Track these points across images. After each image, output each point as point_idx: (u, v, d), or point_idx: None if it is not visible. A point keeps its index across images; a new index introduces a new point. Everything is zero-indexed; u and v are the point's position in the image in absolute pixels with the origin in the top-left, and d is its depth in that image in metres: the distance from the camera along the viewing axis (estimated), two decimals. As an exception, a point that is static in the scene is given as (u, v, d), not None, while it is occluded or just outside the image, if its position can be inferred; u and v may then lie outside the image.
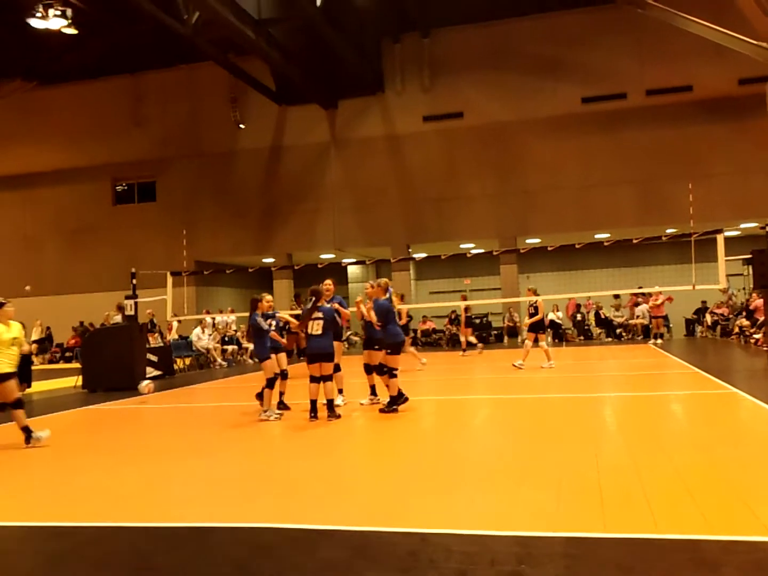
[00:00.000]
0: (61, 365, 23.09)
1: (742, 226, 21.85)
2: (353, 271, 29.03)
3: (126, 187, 28.00)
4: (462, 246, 25.15)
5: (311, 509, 4.69)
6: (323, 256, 26.35)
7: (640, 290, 20.95)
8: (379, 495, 5.04)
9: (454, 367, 16.15)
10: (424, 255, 24.61)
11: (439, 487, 5.13)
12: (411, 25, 24.10)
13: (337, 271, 26.68)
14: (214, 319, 20.67)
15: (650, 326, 21.06)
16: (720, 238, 11.62)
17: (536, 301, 13.96)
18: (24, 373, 14.17)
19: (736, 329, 19.18)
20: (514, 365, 13.90)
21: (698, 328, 22.57)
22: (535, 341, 14.05)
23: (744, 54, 16.25)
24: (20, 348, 7.69)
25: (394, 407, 8.86)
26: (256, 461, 6.45)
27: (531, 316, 14.15)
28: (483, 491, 4.95)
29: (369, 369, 9.64)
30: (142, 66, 26.21)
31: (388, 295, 9.45)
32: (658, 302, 20.44)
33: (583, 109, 23.11)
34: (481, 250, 24.09)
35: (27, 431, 7.45)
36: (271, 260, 26.11)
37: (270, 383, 8.92)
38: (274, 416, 8.73)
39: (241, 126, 25.86)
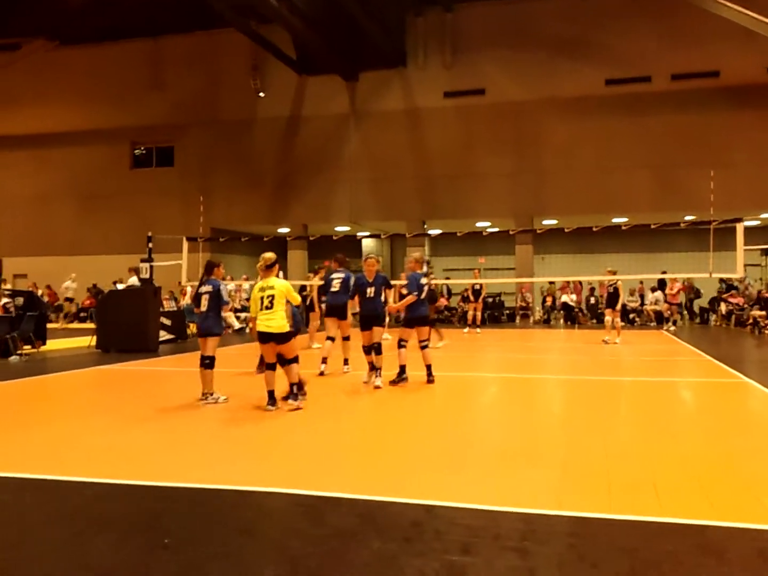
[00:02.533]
0: (76, 325, 23.30)
1: (763, 216, 21.61)
2: (368, 244, 28.96)
3: (144, 152, 28.00)
4: (478, 224, 25.04)
5: (319, 476, 4.74)
6: (338, 229, 26.31)
7: (660, 276, 20.78)
8: (386, 466, 5.07)
9: (469, 344, 16.16)
10: (439, 231, 24.53)
11: (447, 461, 5.16)
12: (435, -2, 23.77)
13: (352, 245, 26.69)
14: (227, 286, 20.72)
15: (664, 313, 20.96)
16: (740, 227, 11.49)
17: (616, 282, 15.23)
18: (39, 331, 14.39)
19: (751, 319, 19.06)
20: (604, 341, 15.26)
21: (712, 317, 22.44)
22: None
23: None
24: None
25: (403, 377, 9.23)
26: (266, 426, 6.50)
27: (609, 295, 15.38)
28: (490, 468, 4.98)
29: (367, 350, 9.29)
30: (164, 30, 26.05)
31: (425, 269, 9.97)
32: (674, 291, 20.32)
33: (606, 91, 22.80)
34: (497, 229, 23.96)
35: None
36: (286, 230, 26.10)
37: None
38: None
39: (261, 94, 25.73)
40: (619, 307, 15.55)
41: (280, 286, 7.33)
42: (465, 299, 24.03)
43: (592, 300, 23.35)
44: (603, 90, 22.81)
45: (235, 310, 20.36)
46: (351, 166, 24.83)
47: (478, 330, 19.04)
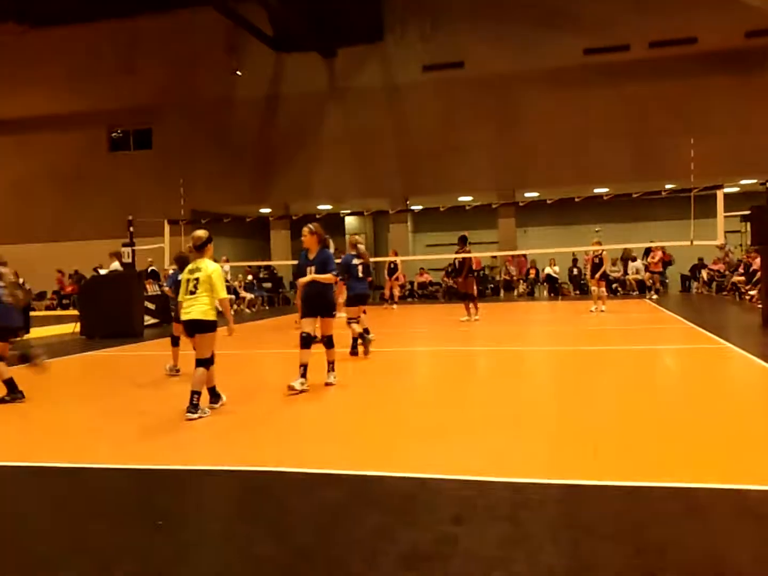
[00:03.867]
0: (59, 312, 23.14)
1: (742, 182, 21.76)
2: (350, 222, 28.90)
3: (121, 134, 27.65)
4: (460, 199, 25.02)
5: (310, 453, 4.77)
6: (321, 207, 26.21)
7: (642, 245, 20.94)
8: (377, 440, 5.12)
9: (456, 319, 16.24)
10: (421, 207, 24.50)
11: (438, 434, 5.21)
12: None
13: (335, 223, 26.60)
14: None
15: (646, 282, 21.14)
16: (720, 194, 11.59)
17: (601, 252, 15.56)
18: (23, 318, 14.24)
19: (731, 286, 19.27)
20: (591, 311, 15.49)
21: (694, 284, 22.66)
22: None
23: (751, 5, 15.95)
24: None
25: (367, 337, 9.59)
26: (255, 405, 6.52)
27: (595, 265, 15.70)
28: (480, 439, 5.03)
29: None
30: (138, 10, 25.58)
31: (354, 252, 9.87)
32: (656, 259, 20.49)
33: (585, 60, 22.74)
34: (479, 203, 23.97)
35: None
36: (267, 210, 25.96)
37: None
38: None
39: (238, 73, 25.42)
40: (598, 275, 15.81)
41: (207, 269, 6.30)
42: (449, 274, 24.10)
43: (575, 271, 23.50)
44: (582, 60, 22.75)
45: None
46: (331, 143, 24.66)
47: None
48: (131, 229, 14.66)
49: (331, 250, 7.43)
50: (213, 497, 4.06)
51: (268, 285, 24.31)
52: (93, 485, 4.36)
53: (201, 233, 6.53)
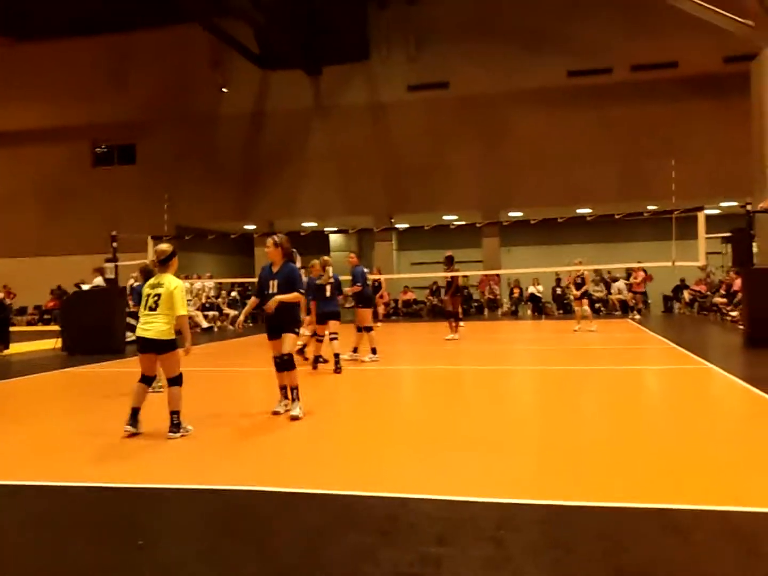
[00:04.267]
0: (40, 327, 22.90)
1: (723, 204, 22.01)
2: (335, 240, 28.92)
3: (105, 149, 27.58)
4: (445, 218, 25.13)
5: (292, 473, 4.74)
6: (305, 224, 26.22)
7: (624, 266, 21.11)
8: (359, 460, 5.10)
9: (442, 337, 16.24)
10: (406, 225, 24.58)
11: (420, 453, 5.20)
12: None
13: (320, 240, 26.59)
14: (192, 284, 20.57)
15: (628, 302, 21.29)
16: (701, 216, 11.71)
17: (583, 272, 15.84)
18: (2, 334, 14.12)
19: (713, 306, 19.45)
20: (574, 330, 15.62)
21: (676, 305, 22.85)
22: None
23: (730, 32, 16.25)
24: None
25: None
26: (237, 424, 6.47)
27: (578, 285, 15.95)
28: (463, 458, 5.03)
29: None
30: (125, 26, 25.61)
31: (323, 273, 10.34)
32: (638, 280, 20.66)
33: (569, 82, 23.04)
34: (464, 222, 24.10)
35: None
36: (252, 227, 25.94)
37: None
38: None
39: (224, 90, 25.50)
40: (578, 292, 16.08)
41: (170, 285, 6.02)
42: (433, 292, 24.15)
43: (558, 291, 23.62)
44: (566, 81, 23.05)
45: (203, 308, 20.19)
46: (316, 161, 24.74)
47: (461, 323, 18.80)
48: (114, 244, 14.57)
49: (298, 264, 7.02)
50: (195, 516, 4.01)
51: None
52: (72, 504, 4.30)
53: (165, 247, 6.26)
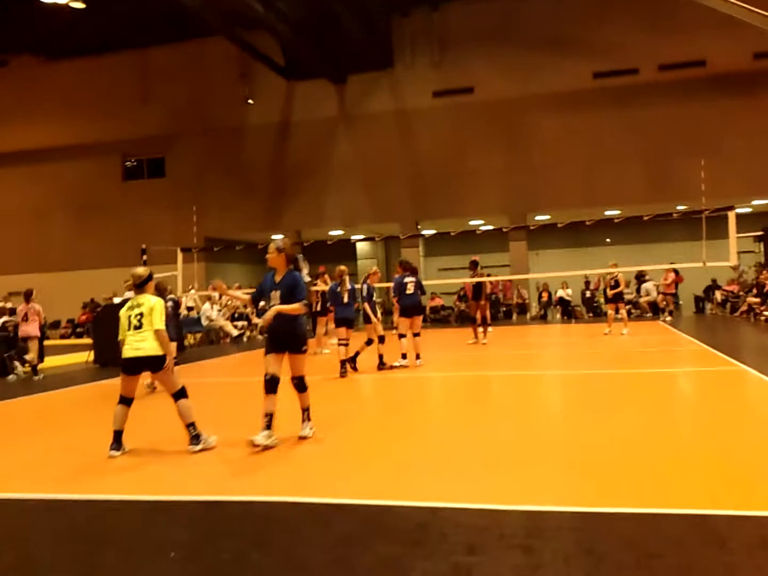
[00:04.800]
0: (72, 341, 23.26)
1: (754, 203, 21.68)
2: (362, 247, 29.00)
3: (135, 163, 28.00)
4: (471, 223, 25.07)
5: (323, 483, 4.75)
6: (332, 233, 26.33)
7: (653, 268, 20.84)
8: (390, 469, 5.09)
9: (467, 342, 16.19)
10: (433, 231, 24.55)
11: (449, 461, 5.18)
12: (420, -2, 23.84)
13: (346, 248, 26.70)
14: (221, 295, 20.74)
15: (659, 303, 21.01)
16: (731, 215, 11.56)
17: (617, 274, 15.50)
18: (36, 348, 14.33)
19: (746, 307, 19.12)
20: (604, 333, 15.38)
21: (708, 306, 22.50)
22: (616, 311, 15.81)
23: (759, 28, 16.00)
24: None
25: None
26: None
27: (612, 288, 15.69)
28: (493, 466, 5.00)
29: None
30: (151, 41, 26.02)
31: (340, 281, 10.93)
32: (668, 281, 20.39)
33: (595, 84, 22.87)
34: (491, 227, 24.01)
35: None
36: (280, 236, 26.05)
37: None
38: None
39: (250, 101, 25.75)
40: (610, 294, 15.89)
41: (149, 302, 6.01)
42: (461, 298, 24.06)
43: (588, 294, 23.41)
44: (591, 83, 22.89)
45: (232, 318, 20.36)
46: (342, 169, 24.85)
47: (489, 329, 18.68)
48: (145, 257, 14.78)
49: (305, 272, 6.50)
50: (227, 529, 4.04)
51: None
52: (104, 516, 4.35)
53: (141, 271, 6.25)
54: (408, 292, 11.27)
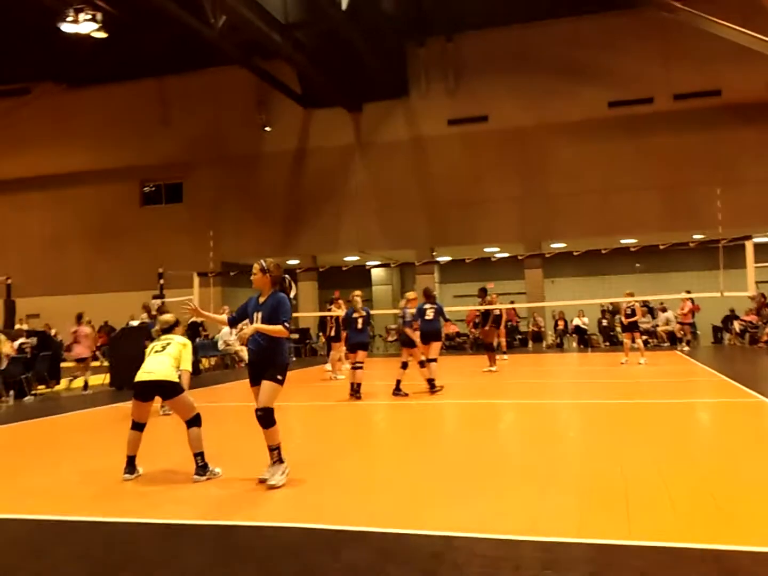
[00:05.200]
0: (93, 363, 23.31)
1: (772, 232, 21.52)
2: (377, 273, 29.05)
3: (153, 188, 28.32)
4: (486, 250, 25.07)
5: (334, 510, 4.72)
6: (347, 259, 26.41)
7: (670, 297, 20.71)
8: (403, 497, 5.04)
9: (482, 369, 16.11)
10: (448, 258, 24.56)
11: (464, 490, 5.13)
12: (435, 28, 24.10)
13: (361, 274, 26.78)
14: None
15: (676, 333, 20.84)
16: (749, 245, 11.49)
17: (633, 303, 15.42)
18: (53, 370, 14.46)
19: (765, 337, 18.91)
20: (621, 363, 15.33)
21: (726, 336, 22.29)
22: (632, 340, 15.69)
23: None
24: None
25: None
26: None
27: (627, 316, 15.53)
28: (508, 495, 4.94)
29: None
30: (169, 69, 26.47)
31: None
32: (685, 311, 20.25)
33: (609, 113, 22.95)
34: (506, 255, 23.99)
35: None
36: (295, 262, 26.23)
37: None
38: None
39: (267, 129, 26.04)
40: (627, 320, 15.69)
41: (180, 340, 6.26)
42: (475, 325, 23.97)
43: (604, 322, 23.27)
44: (606, 112, 22.97)
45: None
46: (358, 196, 25.00)
47: (505, 357, 18.58)
48: (162, 281, 14.88)
49: (292, 294, 5.93)
50: (238, 553, 4.01)
51: (295, 336, 24.38)
52: (117, 539, 4.34)
53: (169, 317, 6.50)
54: (427, 317, 11.49)
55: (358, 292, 11.56)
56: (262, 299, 5.81)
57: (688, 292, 19.48)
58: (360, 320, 11.19)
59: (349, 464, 6.31)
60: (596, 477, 5.39)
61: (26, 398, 12.64)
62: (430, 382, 11.29)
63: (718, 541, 3.83)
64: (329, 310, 14.89)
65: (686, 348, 19.46)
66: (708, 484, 5.04)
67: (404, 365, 11.20)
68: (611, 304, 23.00)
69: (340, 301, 14.96)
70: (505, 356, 18.43)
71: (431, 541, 4.01)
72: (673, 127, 22.21)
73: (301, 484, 5.56)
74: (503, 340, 18.87)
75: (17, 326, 17.56)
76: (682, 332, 20.37)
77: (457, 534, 4.08)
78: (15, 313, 18.98)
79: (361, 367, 10.93)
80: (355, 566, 3.67)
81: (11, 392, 12.64)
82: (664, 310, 22.19)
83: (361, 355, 11.10)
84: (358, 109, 25.22)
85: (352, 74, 23.80)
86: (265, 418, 5.43)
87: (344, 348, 13.53)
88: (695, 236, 20.81)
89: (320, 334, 21.41)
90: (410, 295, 11.76)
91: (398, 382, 11.01)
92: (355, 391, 10.77)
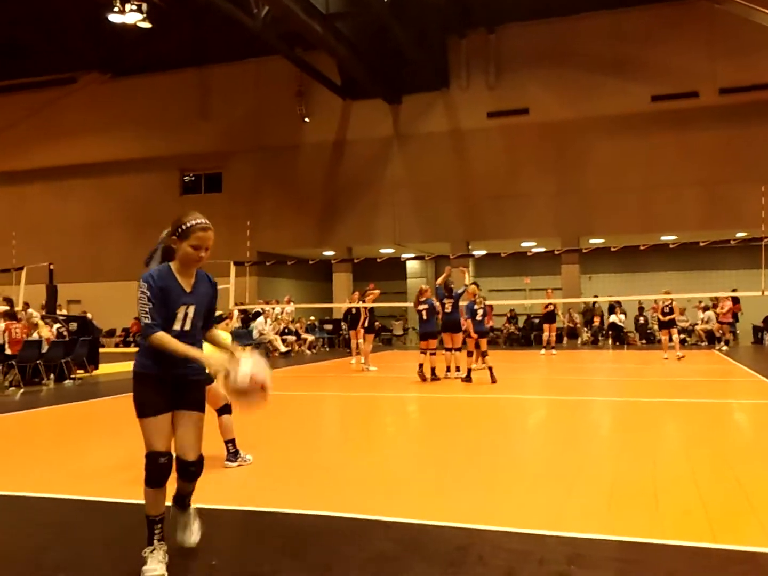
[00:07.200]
0: (127, 349, 23.81)
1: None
2: (412, 266, 29.03)
3: (193, 178, 28.66)
4: (523, 244, 24.89)
5: (362, 499, 4.74)
6: (383, 251, 26.44)
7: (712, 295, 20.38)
8: (430, 488, 5.05)
9: (522, 366, 16.02)
10: (483, 252, 24.45)
11: (491, 484, 5.12)
12: (477, 20, 23.94)
13: (396, 266, 26.78)
14: (273, 309, 21.01)
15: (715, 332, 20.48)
16: (793, 243, 11.22)
17: (671, 301, 15.69)
18: (92, 355, 14.76)
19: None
20: (664, 359, 15.65)
21: (767, 336, 21.82)
22: (669, 337, 15.97)
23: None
24: None
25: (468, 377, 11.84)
26: (309, 449, 6.54)
27: (665, 314, 15.80)
28: (535, 490, 4.92)
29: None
30: (211, 59, 26.74)
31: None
32: (724, 309, 19.87)
33: (652, 107, 22.55)
34: (542, 249, 23.79)
35: None
36: (331, 253, 26.35)
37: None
38: None
39: (306, 120, 26.15)
40: (664, 318, 15.85)
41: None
42: (510, 320, 23.87)
43: (641, 320, 22.95)
44: (649, 107, 22.58)
45: (281, 333, 20.57)
46: (395, 188, 24.99)
47: (554, 352, 18.66)
48: (198, 269, 15.05)
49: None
50: (261, 538, 4.06)
51: (329, 327, 24.53)
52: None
53: None
54: (446, 311, 12.41)
55: (424, 287, 12.68)
56: (187, 285, 3.66)
57: (735, 290, 19.08)
58: (424, 312, 12.26)
59: (375, 454, 6.34)
60: (626, 475, 5.34)
61: (66, 382, 12.93)
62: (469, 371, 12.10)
63: (752, 543, 3.76)
64: (363, 301, 14.92)
65: (724, 347, 19.10)
66: (743, 487, 4.95)
67: (469, 353, 12.42)
68: (641, 304, 22.73)
69: (375, 293, 14.93)
70: (554, 351, 18.47)
71: (456, 533, 4.00)
72: (718, 122, 21.75)
73: (326, 472, 5.61)
74: (553, 335, 18.79)
75: (57, 312, 17.93)
76: (720, 331, 19.99)
77: (483, 527, 4.07)
78: (57, 298, 19.37)
79: (433, 353, 12.08)
80: (380, 556, 3.68)
81: (51, 375, 12.93)
82: (705, 308, 21.79)
83: (432, 343, 12.21)
84: (398, 101, 25.18)
85: (393, 66, 23.77)
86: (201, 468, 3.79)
87: (362, 339, 14.89)
88: (738, 234, 20.39)
89: (342, 323, 21.36)
90: (471, 287, 12.61)
91: (469, 370, 11.94)
92: (432, 375, 11.92)
